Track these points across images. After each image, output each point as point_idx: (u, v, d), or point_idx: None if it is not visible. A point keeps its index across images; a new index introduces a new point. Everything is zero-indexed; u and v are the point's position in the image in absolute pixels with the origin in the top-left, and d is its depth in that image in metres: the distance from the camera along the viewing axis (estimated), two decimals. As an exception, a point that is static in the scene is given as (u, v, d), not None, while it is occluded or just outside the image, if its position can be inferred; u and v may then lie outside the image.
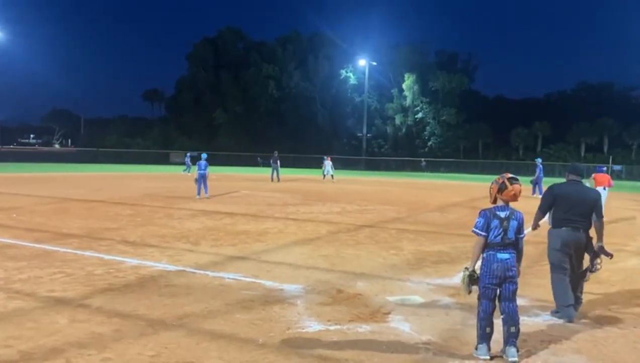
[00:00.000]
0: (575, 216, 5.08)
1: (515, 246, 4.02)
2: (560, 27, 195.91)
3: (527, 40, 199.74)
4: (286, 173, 37.04)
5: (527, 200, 10.23)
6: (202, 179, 16.71)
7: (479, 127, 63.76)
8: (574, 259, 5.17)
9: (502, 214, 4.00)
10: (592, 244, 5.22)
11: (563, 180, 5.47)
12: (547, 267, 7.57)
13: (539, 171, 21.72)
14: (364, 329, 4.62)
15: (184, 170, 35.08)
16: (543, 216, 5.40)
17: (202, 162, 16.96)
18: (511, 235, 3.97)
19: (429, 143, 64.92)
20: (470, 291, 4.07)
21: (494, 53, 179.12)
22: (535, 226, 5.46)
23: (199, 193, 16.60)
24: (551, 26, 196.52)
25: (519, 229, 4.02)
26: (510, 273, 3.97)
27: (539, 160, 23.05)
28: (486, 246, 4.02)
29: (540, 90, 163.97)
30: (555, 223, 5.19)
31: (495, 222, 3.98)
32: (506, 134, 63.46)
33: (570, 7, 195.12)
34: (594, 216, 5.14)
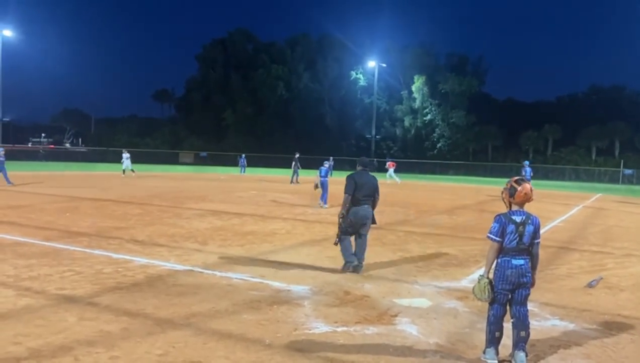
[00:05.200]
0: (364, 196, 6.84)
1: (530, 251, 3.95)
2: (572, 30, 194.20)
3: (538, 43, 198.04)
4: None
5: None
6: (322, 186, 15.16)
7: (488, 129, 63.46)
8: (361, 226, 6.92)
9: (518, 219, 3.91)
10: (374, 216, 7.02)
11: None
12: (557, 271, 7.57)
13: (524, 172, 22.44)
14: (371, 331, 4.61)
15: (241, 171, 35.83)
16: (350, 198, 6.78)
17: (323, 168, 15.49)
18: (526, 240, 3.89)
19: (438, 145, 64.70)
20: (491, 299, 3.98)
21: (505, 56, 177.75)
22: (344, 209, 6.81)
23: (322, 200, 15.09)
24: (563, 29, 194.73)
25: (535, 234, 3.93)
26: (525, 279, 3.91)
27: (526, 163, 24.23)
28: (501, 252, 3.96)
29: (551, 93, 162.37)
30: (355, 202, 6.79)
31: (511, 227, 3.90)
32: (516, 137, 63.09)
33: (582, 11, 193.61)
34: (377, 195, 7.04)
